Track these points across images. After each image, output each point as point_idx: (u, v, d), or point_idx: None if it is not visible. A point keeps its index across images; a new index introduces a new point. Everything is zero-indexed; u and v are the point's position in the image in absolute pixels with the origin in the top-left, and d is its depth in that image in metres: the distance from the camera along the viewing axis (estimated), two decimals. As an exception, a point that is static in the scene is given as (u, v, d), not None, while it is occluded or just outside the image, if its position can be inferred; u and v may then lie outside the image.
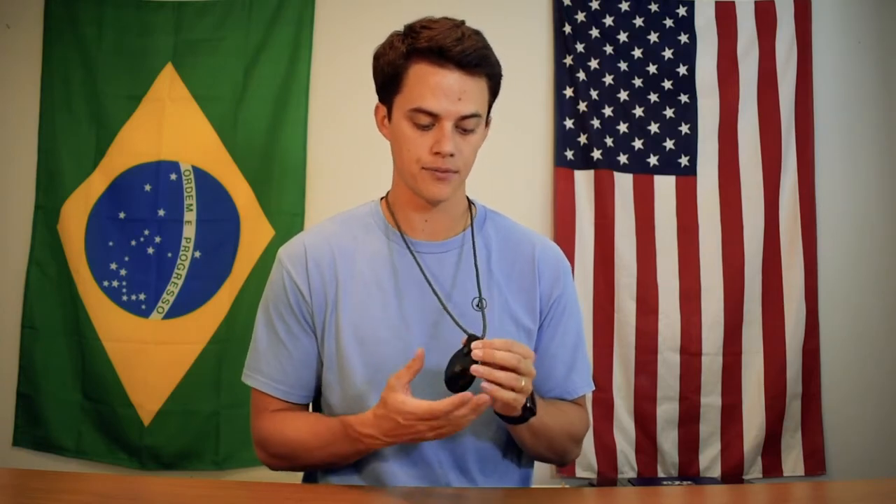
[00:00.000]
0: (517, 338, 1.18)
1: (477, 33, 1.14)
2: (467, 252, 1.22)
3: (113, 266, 2.45)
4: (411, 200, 1.20)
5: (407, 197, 1.21)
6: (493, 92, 1.17)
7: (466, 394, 0.98)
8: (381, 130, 1.22)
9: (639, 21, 2.58)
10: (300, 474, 1.31)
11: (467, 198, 1.28)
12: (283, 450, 1.20)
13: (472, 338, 1.03)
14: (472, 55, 1.09)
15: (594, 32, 2.56)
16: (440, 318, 1.16)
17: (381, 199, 1.28)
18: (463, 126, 1.11)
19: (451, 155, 1.10)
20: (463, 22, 1.15)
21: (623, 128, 2.54)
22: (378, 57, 1.17)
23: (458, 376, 1.01)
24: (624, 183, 2.52)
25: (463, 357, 1.01)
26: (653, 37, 2.57)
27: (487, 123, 1.22)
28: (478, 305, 1.17)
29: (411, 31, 1.13)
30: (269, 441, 1.21)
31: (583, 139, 2.52)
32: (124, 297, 2.44)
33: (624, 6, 2.57)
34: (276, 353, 1.21)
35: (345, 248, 1.22)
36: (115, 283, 2.44)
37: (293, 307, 1.20)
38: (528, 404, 1.07)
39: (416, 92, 1.10)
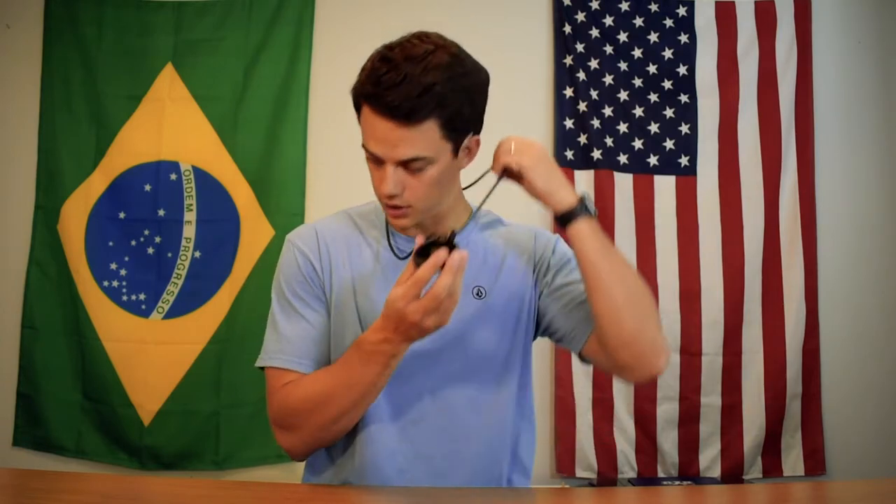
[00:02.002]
0: (520, 322, 1.21)
1: (432, 68, 1.04)
2: (469, 245, 1.23)
3: (113, 266, 2.45)
4: None
5: None
6: (452, 127, 1.09)
7: (441, 251, 0.97)
8: None
9: (639, 21, 2.58)
10: (300, 474, 1.31)
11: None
12: (307, 405, 1.14)
13: (453, 234, 1.02)
14: (403, 106, 1.03)
15: (594, 32, 2.56)
16: None
17: None
18: (409, 167, 1.09)
19: (394, 195, 1.10)
20: (427, 50, 1.06)
21: (623, 128, 2.54)
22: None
23: (430, 245, 0.99)
24: (624, 183, 2.52)
25: (436, 244, 1.00)
26: (653, 37, 2.57)
27: (474, 147, 1.17)
28: (477, 294, 1.20)
29: (366, 63, 1.09)
30: (290, 408, 1.15)
31: (583, 139, 2.52)
32: (124, 297, 2.44)
33: (624, 6, 2.57)
34: (298, 330, 1.19)
35: (352, 238, 1.24)
36: (115, 283, 2.44)
37: (308, 280, 1.20)
38: (584, 201, 1.11)
39: (364, 130, 1.10)
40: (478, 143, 1.17)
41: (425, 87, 1.04)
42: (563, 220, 1.12)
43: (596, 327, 1.14)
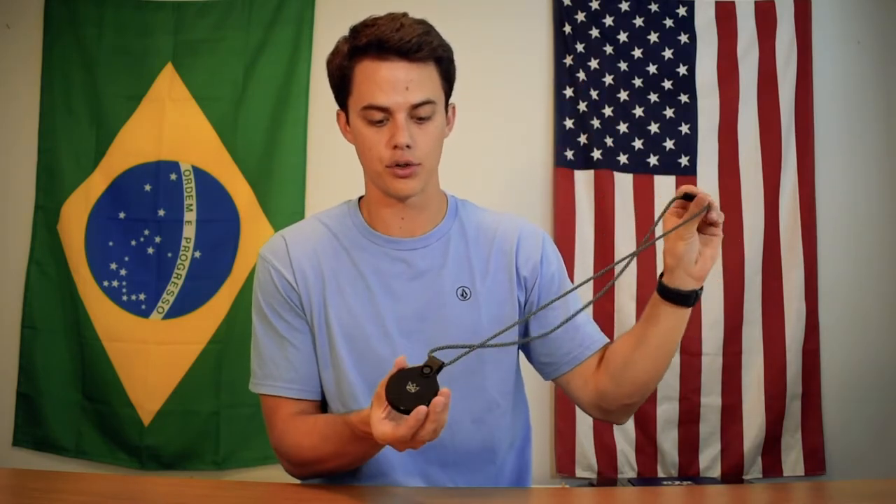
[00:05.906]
0: (504, 318, 1.19)
1: (420, 22, 1.12)
2: (451, 242, 1.21)
3: (113, 266, 2.45)
4: (383, 200, 1.19)
5: (378, 197, 1.19)
6: (446, 77, 1.16)
7: (420, 408, 0.89)
8: (346, 136, 1.21)
9: (639, 21, 2.58)
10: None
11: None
12: (301, 457, 1.16)
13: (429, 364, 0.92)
14: (412, 41, 1.08)
15: (594, 32, 2.56)
16: (424, 313, 1.17)
17: (360, 198, 1.27)
18: (417, 115, 1.10)
19: (408, 146, 1.09)
20: (405, 14, 1.13)
21: (623, 128, 2.54)
22: (328, 63, 1.18)
23: (414, 397, 0.91)
24: (624, 183, 2.52)
25: (418, 377, 0.92)
26: (653, 37, 2.57)
27: (451, 115, 1.20)
28: (462, 295, 1.18)
29: (353, 31, 1.14)
30: (286, 450, 1.17)
31: (583, 139, 2.52)
32: (124, 297, 2.44)
33: (624, 6, 2.57)
34: (282, 351, 1.18)
35: (326, 246, 1.21)
36: (115, 283, 2.44)
37: (286, 299, 1.18)
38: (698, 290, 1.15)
39: (364, 90, 1.10)
40: (454, 110, 1.21)
41: (423, 29, 1.11)
42: (678, 298, 1.17)
43: (624, 386, 1.18)
